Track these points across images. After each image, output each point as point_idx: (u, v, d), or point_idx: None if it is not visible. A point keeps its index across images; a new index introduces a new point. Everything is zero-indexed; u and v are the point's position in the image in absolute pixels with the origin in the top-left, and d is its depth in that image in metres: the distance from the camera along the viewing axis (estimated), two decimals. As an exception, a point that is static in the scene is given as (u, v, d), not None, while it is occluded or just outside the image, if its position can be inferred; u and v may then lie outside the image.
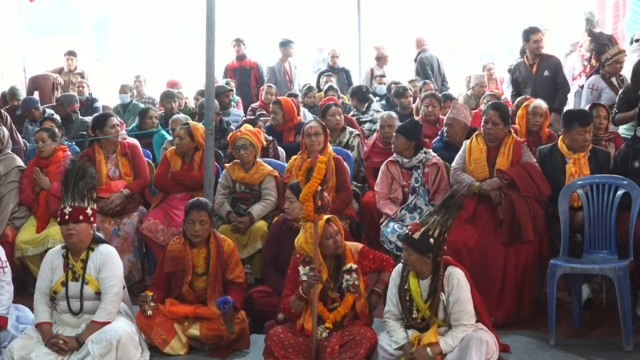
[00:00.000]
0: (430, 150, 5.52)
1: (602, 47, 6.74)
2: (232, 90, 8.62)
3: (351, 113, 8.02)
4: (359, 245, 4.22)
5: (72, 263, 4.08)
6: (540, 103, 5.86)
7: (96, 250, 4.12)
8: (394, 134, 5.49)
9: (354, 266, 4.02)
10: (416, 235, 3.78)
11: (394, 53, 10.89)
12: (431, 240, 3.75)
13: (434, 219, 3.81)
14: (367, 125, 7.64)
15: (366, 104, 7.98)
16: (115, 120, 5.89)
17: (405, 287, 3.87)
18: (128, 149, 5.82)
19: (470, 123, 5.88)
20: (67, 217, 4.02)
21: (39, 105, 7.97)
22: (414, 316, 3.84)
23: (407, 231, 3.90)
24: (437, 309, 3.80)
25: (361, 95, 8.06)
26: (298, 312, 4.07)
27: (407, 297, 3.86)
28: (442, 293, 3.78)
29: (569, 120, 4.88)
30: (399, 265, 3.98)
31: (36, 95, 9.15)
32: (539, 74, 7.03)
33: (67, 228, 4.03)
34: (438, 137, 6.07)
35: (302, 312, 4.06)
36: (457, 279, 3.78)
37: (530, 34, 7.16)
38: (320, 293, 4.02)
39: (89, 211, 4.08)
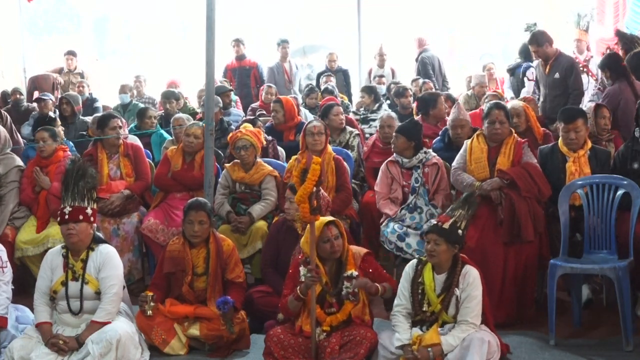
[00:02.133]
0: (430, 150, 5.52)
1: (630, 44, 6.75)
2: (232, 90, 8.62)
3: (361, 110, 8.08)
4: (362, 251, 4.17)
5: (72, 263, 4.08)
6: (513, 104, 5.86)
7: (96, 250, 4.12)
8: (394, 134, 5.49)
9: (355, 273, 3.99)
10: (446, 226, 3.81)
11: (394, 53, 10.88)
12: (459, 231, 3.82)
13: (459, 213, 3.88)
14: (375, 123, 7.65)
15: (377, 104, 8.04)
16: (119, 121, 5.88)
17: (419, 280, 3.88)
18: (130, 150, 5.82)
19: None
20: (67, 216, 4.02)
21: (54, 101, 8.04)
22: (424, 309, 3.85)
23: (435, 222, 3.91)
24: (449, 304, 3.82)
25: (377, 96, 8.18)
26: (296, 312, 4.07)
27: (420, 291, 3.87)
28: (456, 289, 3.80)
29: (558, 119, 4.94)
30: (413, 260, 4.00)
31: (36, 95, 9.16)
32: (550, 76, 6.99)
33: (67, 228, 4.03)
34: (439, 138, 6.07)
35: (300, 312, 4.06)
36: (473, 278, 3.82)
37: (530, 46, 7.19)
38: (319, 295, 4.02)
39: (88, 211, 4.08)
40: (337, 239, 4.04)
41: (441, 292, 3.84)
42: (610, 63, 6.39)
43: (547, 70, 7.04)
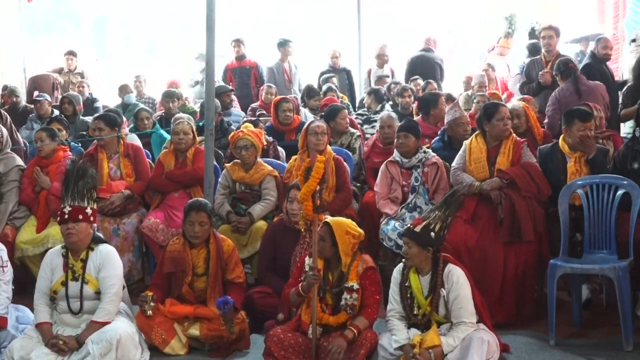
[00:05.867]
0: (430, 150, 5.52)
1: None
2: (232, 90, 8.60)
3: (363, 110, 8.15)
4: (368, 263, 4.08)
5: (72, 263, 4.08)
6: (514, 105, 5.87)
7: (96, 249, 4.11)
8: (402, 134, 5.41)
9: (356, 286, 3.97)
10: (417, 229, 3.82)
11: (393, 53, 10.86)
12: (432, 234, 3.81)
13: (435, 215, 3.88)
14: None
15: (380, 105, 8.03)
16: (101, 123, 5.79)
17: (406, 284, 3.90)
18: (131, 151, 5.81)
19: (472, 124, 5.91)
20: (66, 216, 4.02)
21: (50, 102, 8.04)
22: (415, 313, 3.87)
23: (408, 225, 3.92)
24: (438, 305, 3.83)
25: (380, 97, 8.19)
26: (296, 305, 4.09)
27: (408, 295, 3.89)
28: (442, 289, 3.81)
29: (569, 117, 4.90)
30: (400, 264, 4.00)
31: (35, 95, 9.16)
32: (553, 71, 7.11)
33: (66, 227, 4.03)
34: (438, 137, 6.07)
35: (300, 305, 4.08)
36: (457, 277, 3.82)
37: (542, 31, 7.49)
38: (318, 289, 4.02)
39: (88, 211, 4.08)
40: (320, 241, 4.02)
41: (428, 294, 3.85)
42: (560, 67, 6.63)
43: (547, 67, 7.15)
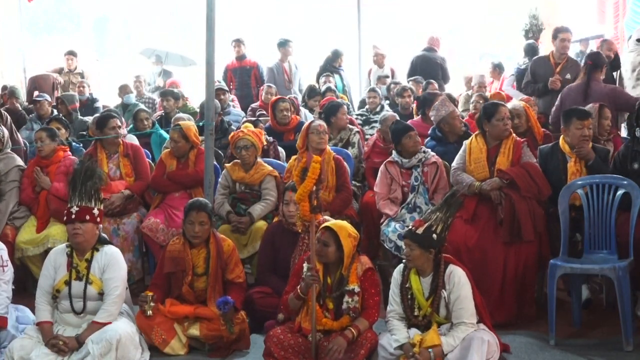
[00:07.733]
0: (429, 150, 5.52)
1: None
2: (225, 90, 8.53)
3: (361, 111, 8.17)
4: (366, 264, 4.06)
5: (77, 262, 4.08)
6: (514, 105, 5.86)
7: (101, 250, 4.12)
8: (411, 133, 5.42)
9: (357, 289, 3.97)
10: (419, 231, 3.82)
11: (393, 53, 10.87)
12: (434, 236, 3.81)
13: (436, 216, 3.87)
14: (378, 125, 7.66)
15: (379, 105, 8.07)
16: (117, 121, 5.88)
17: (407, 285, 3.89)
18: (130, 151, 5.82)
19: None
20: (73, 216, 4.03)
21: (50, 102, 8.04)
22: (416, 314, 3.87)
23: (410, 227, 3.92)
24: (439, 306, 3.83)
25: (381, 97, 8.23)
26: (295, 310, 4.08)
27: (409, 296, 3.89)
28: (443, 290, 3.81)
29: (567, 116, 4.91)
30: (400, 265, 4.01)
31: (36, 95, 9.16)
32: (562, 75, 7.09)
33: (73, 227, 4.03)
34: (429, 137, 6.05)
35: (300, 310, 4.06)
36: (458, 277, 3.82)
37: (559, 33, 7.32)
38: (318, 294, 4.01)
39: (95, 211, 4.08)
40: (326, 247, 3.99)
41: (429, 295, 3.85)
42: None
43: (558, 68, 7.14)
